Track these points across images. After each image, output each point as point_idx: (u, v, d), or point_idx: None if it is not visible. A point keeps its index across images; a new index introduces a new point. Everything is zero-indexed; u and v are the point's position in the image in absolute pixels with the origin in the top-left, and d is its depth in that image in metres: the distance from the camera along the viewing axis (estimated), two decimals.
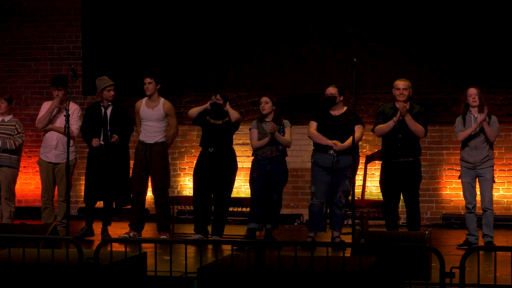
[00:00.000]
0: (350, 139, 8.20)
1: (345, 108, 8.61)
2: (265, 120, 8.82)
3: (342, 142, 8.36)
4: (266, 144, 8.73)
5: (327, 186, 8.43)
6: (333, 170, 8.40)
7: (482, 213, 8.43)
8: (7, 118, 9.52)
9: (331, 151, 8.39)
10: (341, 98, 8.55)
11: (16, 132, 9.43)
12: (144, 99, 9.15)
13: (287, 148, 8.87)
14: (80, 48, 12.08)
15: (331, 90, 8.52)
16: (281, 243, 7.18)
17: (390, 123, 8.30)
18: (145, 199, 9.21)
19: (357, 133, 8.33)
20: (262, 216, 8.81)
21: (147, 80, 9.06)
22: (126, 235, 9.04)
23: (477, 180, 8.49)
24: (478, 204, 8.51)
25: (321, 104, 8.60)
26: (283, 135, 8.77)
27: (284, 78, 11.38)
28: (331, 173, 8.42)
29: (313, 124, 8.59)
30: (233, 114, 8.82)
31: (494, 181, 8.52)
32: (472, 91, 8.46)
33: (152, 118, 9.06)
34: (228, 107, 8.84)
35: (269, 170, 8.73)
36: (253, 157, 8.90)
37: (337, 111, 8.55)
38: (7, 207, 9.36)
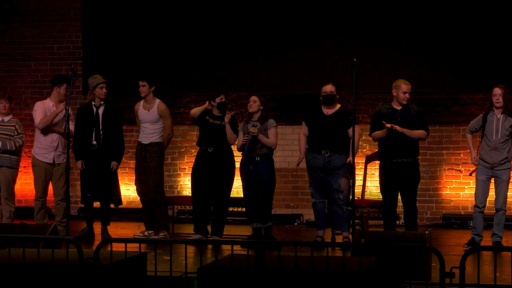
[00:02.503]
0: (353, 143, 8.25)
1: (339, 105, 8.61)
2: (251, 120, 8.82)
3: (335, 141, 8.35)
4: (249, 145, 8.72)
5: (324, 185, 8.45)
6: (325, 170, 8.41)
7: (495, 213, 8.40)
8: (7, 118, 9.51)
9: (323, 152, 8.39)
10: (338, 96, 8.56)
11: (16, 133, 9.42)
12: (142, 101, 9.21)
13: (272, 148, 8.80)
14: (80, 48, 12.08)
15: (330, 88, 8.51)
16: (281, 243, 7.18)
17: (384, 130, 8.26)
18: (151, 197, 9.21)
19: (356, 135, 8.39)
20: (255, 214, 8.80)
21: (140, 83, 9.13)
22: (141, 234, 9.10)
23: (492, 180, 8.45)
24: (488, 205, 8.49)
25: (320, 102, 8.60)
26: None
27: (284, 78, 11.38)
28: (324, 172, 8.43)
29: (303, 128, 8.65)
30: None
31: (509, 182, 8.49)
32: (497, 91, 8.35)
33: (147, 119, 9.13)
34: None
35: (252, 169, 8.74)
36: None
37: (330, 110, 8.53)
38: (7, 207, 9.36)
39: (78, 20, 12.10)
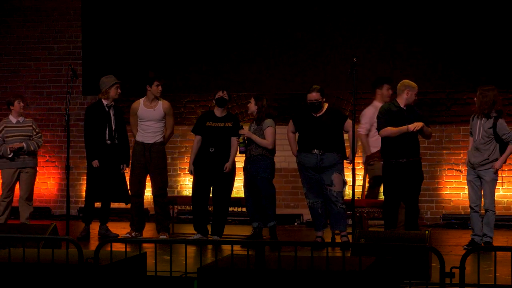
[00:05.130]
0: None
1: (326, 105, 8.59)
2: (255, 121, 8.90)
3: (326, 141, 8.37)
4: (246, 144, 8.78)
5: (317, 185, 8.45)
6: (318, 169, 8.41)
7: (484, 213, 8.42)
8: (21, 119, 9.51)
9: (315, 151, 8.39)
10: (324, 100, 8.54)
11: (34, 133, 9.46)
12: (142, 100, 9.18)
13: (267, 148, 8.82)
14: (80, 48, 12.08)
15: (315, 96, 8.44)
16: (281, 243, 7.18)
17: (403, 129, 8.19)
18: (143, 200, 9.23)
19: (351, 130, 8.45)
20: (255, 214, 8.82)
21: (160, 82, 9.10)
22: (127, 235, 9.07)
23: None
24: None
25: (307, 111, 8.58)
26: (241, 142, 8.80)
27: (284, 78, 11.38)
28: (317, 171, 8.43)
29: (291, 126, 8.67)
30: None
31: (496, 183, 8.47)
32: (480, 91, 8.39)
33: (152, 118, 9.08)
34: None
35: (249, 169, 8.79)
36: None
37: (318, 112, 8.53)
38: (27, 208, 9.42)
39: (78, 20, 12.09)
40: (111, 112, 9.16)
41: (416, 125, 8.17)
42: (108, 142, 9.12)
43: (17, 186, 9.54)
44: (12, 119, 9.48)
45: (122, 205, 9.88)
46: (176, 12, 11.68)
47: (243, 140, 8.78)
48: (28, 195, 9.46)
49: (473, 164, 8.36)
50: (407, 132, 8.17)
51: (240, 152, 8.86)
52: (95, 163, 9.04)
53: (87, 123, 9.20)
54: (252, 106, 8.86)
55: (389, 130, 8.31)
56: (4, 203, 9.41)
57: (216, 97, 8.87)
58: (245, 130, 8.81)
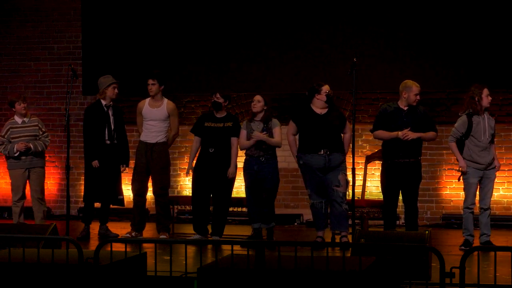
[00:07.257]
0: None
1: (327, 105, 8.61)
2: (255, 119, 8.85)
3: (333, 140, 8.38)
4: (254, 145, 8.73)
5: (322, 185, 8.44)
6: (325, 169, 8.40)
7: (482, 212, 8.38)
8: (27, 119, 9.48)
9: (322, 151, 8.39)
10: None
11: (40, 132, 9.43)
12: (147, 100, 9.19)
13: (277, 147, 8.83)
14: (80, 48, 12.08)
15: (328, 87, 8.50)
16: (281, 243, 7.18)
17: (393, 135, 8.24)
18: (146, 199, 9.23)
19: (350, 132, 8.47)
20: (257, 215, 8.81)
21: (150, 81, 9.09)
22: (128, 235, 9.08)
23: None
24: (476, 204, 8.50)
25: (307, 102, 8.57)
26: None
27: (284, 78, 11.38)
28: (323, 172, 8.42)
29: (292, 128, 8.62)
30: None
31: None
32: (488, 91, 8.30)
33: (155, 117, 9.09)
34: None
35: (256, 170, 8.74)
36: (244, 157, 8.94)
37: (323, 110, 8.52)
38: (40, 207, 9.35)
39: (78, 20, 12.09)
40: (110, 112, 9.18)
41: (405, 134, 8.16)
42: (108, 142, 9.13)
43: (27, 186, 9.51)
44: (17, 119, 9.43)
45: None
46: (176, 12, 11.69)
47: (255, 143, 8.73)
48: (41, 195, 9.41)
49: (486, 164, 8.31)
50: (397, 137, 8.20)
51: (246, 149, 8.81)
52: (95, 163, 9.06)
53: (86, 123, 9.23)
54: (261, 106, 8.82)
55: (381, 133, 8.35)
56: (18, 208, 9.33)
57: (212, 101, 8.90)
58: (257, 133, 8.73)
